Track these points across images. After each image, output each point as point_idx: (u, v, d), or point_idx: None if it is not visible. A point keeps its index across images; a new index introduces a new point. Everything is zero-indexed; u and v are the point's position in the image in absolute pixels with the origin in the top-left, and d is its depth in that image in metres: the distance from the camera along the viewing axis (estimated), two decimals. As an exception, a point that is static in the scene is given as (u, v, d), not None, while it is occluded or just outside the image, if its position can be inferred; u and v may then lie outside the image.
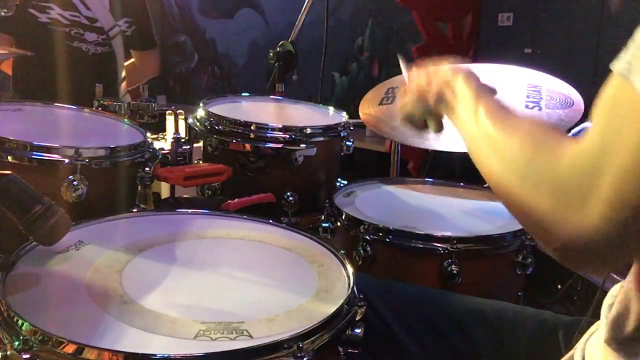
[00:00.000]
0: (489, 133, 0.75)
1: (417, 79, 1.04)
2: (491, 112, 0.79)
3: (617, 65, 0.58)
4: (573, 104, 1.41)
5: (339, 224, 1.36)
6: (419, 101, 1.02)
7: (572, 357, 0.83)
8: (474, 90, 0.87)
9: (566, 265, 0.63)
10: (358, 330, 0.84)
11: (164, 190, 1.57)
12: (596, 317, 0.81)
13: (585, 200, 0.56)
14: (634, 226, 0.54)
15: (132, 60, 2.51)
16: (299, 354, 0.73)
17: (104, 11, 2.23)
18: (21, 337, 0.71)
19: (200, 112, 1.58)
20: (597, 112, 0.60)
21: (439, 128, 1.04)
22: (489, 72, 1.60)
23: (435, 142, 1.41)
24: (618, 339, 0.73)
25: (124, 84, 2.42)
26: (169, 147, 1.50)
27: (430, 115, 1.03)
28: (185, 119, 1.62)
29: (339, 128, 1.61)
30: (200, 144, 1.57)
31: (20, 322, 0.74)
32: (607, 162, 0.55)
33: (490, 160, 0.72)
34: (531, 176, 0.63)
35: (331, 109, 1.81)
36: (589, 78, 3.10)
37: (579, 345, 0.83)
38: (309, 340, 0.76)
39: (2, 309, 0.77)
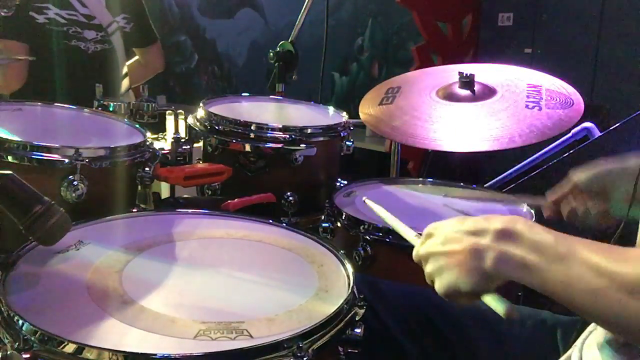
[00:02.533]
0: (622, 279, 0.63)
1: (440, 237, 0.81)
2: (599, 249, 0.67)
3: None
4: (573, 104, 1.42)
5: (339, 224, 1.36)
6: (463, 270, 0.76)
7: (570, 357, 0.83)
8: (549, 234, 0.71)
9: None
10: (358, 330, 0.84)
11: (164, 190, 1.58)
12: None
13: None
14: None
15: (137, 57, 2.51)
16: (299, 354, 0.73)
17: (101, 8, 2.23)
18: (21, 337, 0.71)
19: (200, 112, 1.58)
20: None
21: (508, 308, 0.75)
22: (489, 72, 1.60)
23: (435, 142, 1.41)
24: (619, 341, 0.73)
25: (125, 82, 2.41)
26: (169, 147, 1.50)
27: (485, 285, 0.76)
28: (185, 119, 1.62)
29: (339, 128, 1.61)
30: (200, 144, 1.57)
31: (20, 322, 0.74)
32: None
33: (636, 307, 0.63)
34: None
35: (331, 109, 1.81)
36: (589, 78, 3.10)
37: (577, 345, 0.83)
38: (309, 340, 0.76)
39: (2, 309, 0.77)
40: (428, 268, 0.82)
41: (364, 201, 1.13)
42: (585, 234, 0.74)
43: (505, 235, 0.73)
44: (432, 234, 0.83)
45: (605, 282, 0.64)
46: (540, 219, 1.27)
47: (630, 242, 0.80)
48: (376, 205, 1.09)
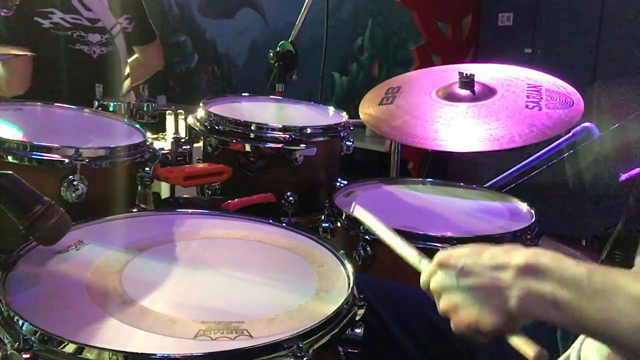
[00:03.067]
0: None
1: (453, 264, 0.76)
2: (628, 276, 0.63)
3: None
4: (573, 104, 1.42)
5: (339, 224, 1.36)
6: (484, 309, 0.71)
7: (569, 357, 0.83)
8: (580, 267, 0.65)
9: None
10: (358, 330, 0.84)
11: (164, 190, 1.58)
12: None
13: None
14: None
15: (136, 56, 2.51)
16: (299, 354, 0.73)
17: (104, 10, 2.23)
18: (21, 337, 0.71)
19: (200, 112, 1.58)
20: None
21: (539, 351, 0.70)
22: (489, 72, 1.60)
23: (435, 142, 1.42)
24: None
25: (127, 82, 2.42)
26: (169, 147, 1.50)
27: (509, 325, 0.71)
28: (185, 119, 1.62)
29: (339, 128, 1.61)
30: (200, 144, 1.57)
31: (20, 322, 0.74)
32: None
33: None
34: None
35: (331, 109, 1.81)
36: (589, 78, 3.10)
37: (575, 345, 0.83)
38: (309, 340, 0.76)
39: (2, 309, 0.77)
40: (442, 304, 0.76)
41: (353, 209, 1.05)
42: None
43: (529, 270, 0.67)
44: (444, 265, 0.76)
45: None
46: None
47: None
48: (368, 215, 1.00)
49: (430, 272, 0.79)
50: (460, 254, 0.75)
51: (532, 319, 0.68)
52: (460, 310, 0.73)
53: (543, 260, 0.67)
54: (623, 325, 0.61)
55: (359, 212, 1.02)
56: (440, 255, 0.78)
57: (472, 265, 0.73)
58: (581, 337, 0.84)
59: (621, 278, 0.63)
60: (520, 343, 0.71)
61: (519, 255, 0.68)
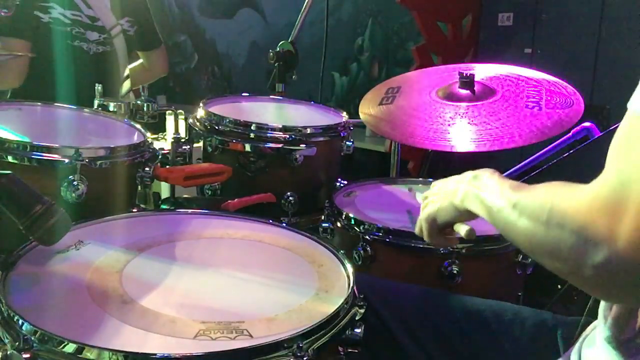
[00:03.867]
0: (516, 201, 0.75)
1: (438, 187, 1.05)
2: (515, 186, 0.79)
3: (635, 105, 0.61)
4: (573, 104, 1.41)
5: (339, 224, 1.36)
6: (443, 204, 1.00)
7: (570, 357, 0.83)
8: (497, 177, 0.88)
9: (602, 297, 0.66)
10: (358, 330, 0.84)
11: (164, 190, 1.57)
12: (594, 316, 0.81)
13: (612, 228, 0.57)
14: None
15: (140, 61, 2.52)
16: (299, 354, 0.73)
17: (105, 10, 2.23)
18: (21, 337, 0.71)
19: (200, 112, 1.58)
20: (613, 149, 0.62)
21: (469, 230, 0.99)
22: (489, 72, 1.60)
23: (435, 142, 1.41)
24: (619, 339, 0.73)
25: (126, 84, 2.42)
26: (169, 147, 1.50)
27: (456, 217, 1.00)
28: (185, 119, 1.62)
29: (339, 128, 1.61)
30: (200, 144, 1.57)
31: (20, 322, 0.74)
32: (629, 194, 0.57)
33: (519, 224, 0.72)
34: (555, 219, 0.64)
35: (331, 109, 1.81)
36: (589, 78, 3.10)
37: (577, 345, 0.83)
38: (309, 340, 0.76)
39: (2, 309, 0.77)
40: (422, 206, 1.08)
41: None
42: None
43: (475, 178, 0.93)
44: (434, 186, 1.08)
45: (504, 202, 0.78)
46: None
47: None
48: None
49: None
50: (447, 178, 1.04)
51: (469, 210, 0.93)
52: (428, 205, 1.05)
53: (483, 172, 0.92)
54: (494, 212, 0.82)
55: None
56: (434, 182, 1.09)
57: (445, 180, 1.04)
58: (582, 337, 0.84)
59: (508, 185, 0.81)
60: (457, 226, 1.01)
61: (475, 170, 0.95)
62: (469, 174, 0.95)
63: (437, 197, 1.03)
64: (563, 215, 0.63)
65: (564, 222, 0.63)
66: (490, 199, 0.84)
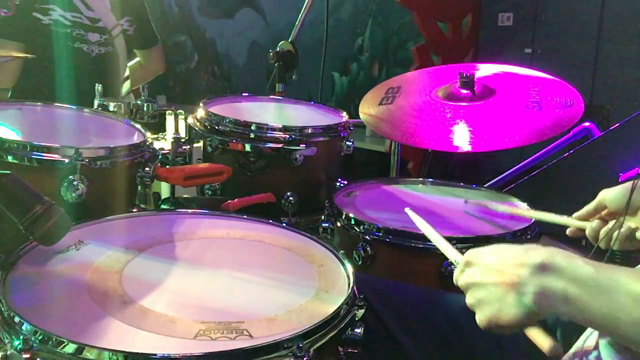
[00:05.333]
0: None
1: (479, 264, 0.82)
2: (622, 270, 0.68)
3: None
4: (573, 104, 1.42)
5: (339, 224, 1.36)
6: (500, 302, 0.77)
7: (570, 357, 0.83)
8: (589, 266, 0.71)
9: None
10: (358, 330, 0.84)
11: (164, 190, 1.58)
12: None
13: None
14: None
15: (138, 59, 2.52)
16: (298, 354, 0.73)
17: (106, 11, 2.23)
18: (21, 337, 0.71)
19: (200, 112, 1.58)
20: None
21: (554, 347, 0.75)
22: (489, 72, 1.60)
23: (435, 142, 1.42)
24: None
25: (126, 84, 2.42)
26: (169, 147, 1.50)
27: (527, 319, 0.76)
28: (185, 119, 1.62)
29: (339, 128, 1.61)
30: (200, 144, 1.57)
31: (20, 322, 0.74)
32: None
33: None
34: None
35: (331, 109, 1.81)
36: (589, 78, 3.10)
37: (577, 345, 0.83)
38: (309, 340, 0.76)
39: (2, 309, 0.77)
40: (468, 299, 0.83)
41: (406, 211, 1.16)
42: (611, 258, 0.74)
43: (544, 268, 0.72)
44: (471, 263, 0.83)
45: (630, 301, 0.65)
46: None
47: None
48: (418, 217, 1.11)
49: (460, 270, 0.85)
50: (485, 252, 0.82)
51: (547, 314, 0.75)
52: (483, 305, 0.79)
53: (557, 259, 0.72)
54: (622, 319, 0.66)
55: (411, 214, 1.14)
56: (468, 253, 0.85)
57: (495, 263, 0.79)
58: (583, 337, 0.84)
59: (623, 276, 0.68)
60: (536, 336, 0.77)
61: (536, 254, 0.74)
62: (532, 259, 0.74)
63: (490, 294, 0.78)
64: None
65: None
66: (605, 303, 0.67)
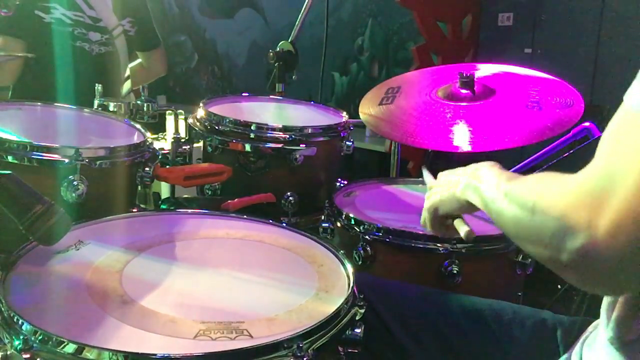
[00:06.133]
0: (507, 190, 0.78)
1: (443, 178, 1.07)
2: (510, 177, 0.83)
3: (632, 99, 0.61)
4: (573, 104, 1.41)
5: (339, 224, 1.36)
6: (445, 195, 1.03)
7: (570, 357, 0.83)
8: (497, 170, 0.90)
9: (578, 284, 0.65)
10: (358, 330, 0.84)
11: (164, 190, 1.58)
12: (594, 316, 0.81)
13: (593, 218, 0.58)
14: None
15: (139, 60, 2.52)
16: (299, 354, 0.73)
17: (108, 11, 2.23)
18: (21, 337, 0.71)
19: (200, 112, 1.58)
20: (604, 141, 0.63)
21: (468, 232, 1.02)
22: (489, 72, 1.60)
23: (435, 142, 1.41)
24: (622, 339, 0.73)
25: (127, 84, 2.42)
26: (169, 147, 1.50)
27: (457, 208, 1.02)
28: (185, 119, 1.62)
29: (339, 128, 1.61)
30: (200, 144, 1.57)
31: (20, 322, 0.74)
32: (614, 184, 0.58)
33: (507, 211, 0.75)
34: (539, 206, 0.66)
35: (331, 109, 1.81)
36: (589, 78, 3.10)
37: (577, 345, 0.83)
38: (309, 340, 0.76)
39: (2, 309, 0.77)
40: (427, 195, 1.11)
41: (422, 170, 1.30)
42: None
43: (474, 171, 0.95)
44: (440, 177, 1.10)
45: (497, 193, 0.81)
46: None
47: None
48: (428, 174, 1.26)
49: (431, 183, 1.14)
50: (452, 170, 1.05)
51: (465, 201, 0.96)
52: (433, 195, 1.07)
53: (484, 164, 0.94)
54: (489, 203, 0.84)
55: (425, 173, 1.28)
56: (440, 173, 1.11)
57: (449, 173, 1.06)
58: (583, 337, 0.84)
59: (504, 176, 0.84)
60: (458, 223, 1.04)
61: (477, 164, 0.96)
62: (471, 167, 0.97)
63: (441, 188, 1.05)
64: (548, 202, 0.65)
65: (548, 209, 0.64)
66: (486, 190, 0.87)
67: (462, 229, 1.02)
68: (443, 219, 1.07)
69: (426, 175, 1.26)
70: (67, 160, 1.14)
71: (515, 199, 0.74)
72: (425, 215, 1.10)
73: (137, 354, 0.71)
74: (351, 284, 0.92)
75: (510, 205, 0.75)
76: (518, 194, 0.74)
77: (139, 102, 1.57)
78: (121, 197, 1.27)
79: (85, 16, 2.17)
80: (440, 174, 1.11)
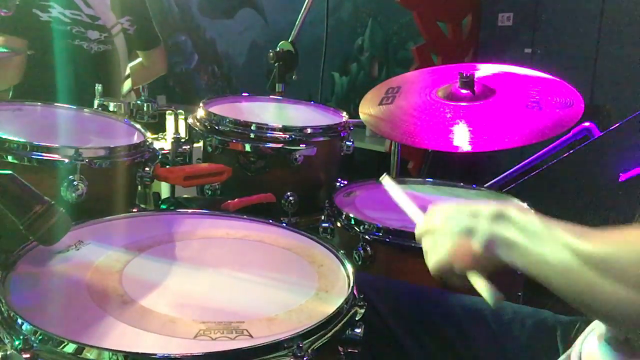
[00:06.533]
0: (589, 254, 0.64)
1: (440, 218, 0.85)
2: (574, 230, 0.68)
3: None
4: (573, 104, 1.42)
5: (339, 224, 1.36)
6: (455, 249, 0.81)
7: (570, 357, 0.83)
8: (537, 218, 0.73)
9: None
10: (358, 330, 0.84)
11: (164, 190, 1.58)
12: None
13: None
14: None
15: (140, 60, 2.52)
16: (299, 354, 0.73)
17: (106, 9, 2.23)
18: (21, 337, 0.71)
19: (200, 112, 1.58)
20: None
21: (498, 301, 0.80)
22: (489, 72, 1.60)
23: (435, 142, 1.42)
24: (619, 339, 0.73)
25: (127, 83, 2.42)
26: (169, 147, 1.50)
27: (476, 268, 0.80)
28: (185, 119, 1.62)
29: (339, 128, 1.61)
30: (200, 144, 1.57)
31: (20, 322, 0.74)
32: None
33: (602, 286, 0.62)
34: None
35: (331, 109, 1.81)
36: (589, 78, 3.10)
37: (577, 345, 0.83)
38: (309, 340, 0.76)
39: (2, 309, 0.77)
40: (424, 244, 0.86)
41: (382, 180, 1.13)
42: None
43: (498, 217, 0.75)
44: (431, 214, 0.87)
45: (573, 257, 0.65)
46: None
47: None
48: (393, 185, 1.10)
49: (422, 222, 0.88)
50: (447, 205, 0.85)
51: (493, 260, 0.76)
52: (438, 248, 0.82)
53: (512, 210, 0.75)
54: (552, 266, 0.68)
55: (386, 181, 1.11)
56: (431, 207, 0.88)
57: (454, 213, 0.82)
58: (582, 336, 0.84)
59: (562, 228, 0.69)
60: (481, 286, 0.80)
61: (492, 205, 0.78)
62: (487, 210, 0.77)
63: (444, 238, 0.82)
64: None
65: None
66: (540, 250, 0.69)
67: (488, 295, 0.80)
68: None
69: (390, 186, 1.10)
70: (67, 160, 1.14)
71: (613, 270, 0.60)
72: (435, 275, 0.85)
73: (137, 353, 0.71)
74: (351, 284, 0.92)
75: (604, 280, 0.61)
76: (616, 264, 0.60)
77: (139, 102, 1.57)
78: (121, 197, 1.27)
79: (83, 14, 2.17)
80: (432, 210, 0.88)
